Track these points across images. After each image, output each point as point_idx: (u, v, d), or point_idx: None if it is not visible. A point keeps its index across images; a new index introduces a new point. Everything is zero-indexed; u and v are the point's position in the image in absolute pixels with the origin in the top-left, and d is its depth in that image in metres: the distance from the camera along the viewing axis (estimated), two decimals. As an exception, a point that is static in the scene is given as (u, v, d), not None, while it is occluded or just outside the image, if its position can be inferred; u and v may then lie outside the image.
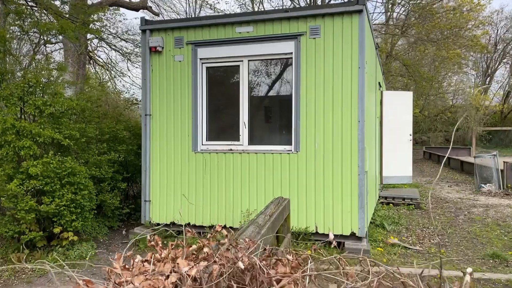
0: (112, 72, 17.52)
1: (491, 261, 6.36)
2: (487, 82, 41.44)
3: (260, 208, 6.80)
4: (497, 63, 41.14)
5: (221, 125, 7.31)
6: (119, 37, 14.42)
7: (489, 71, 41.41)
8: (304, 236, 6.54)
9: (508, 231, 8.12)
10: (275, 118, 7.07)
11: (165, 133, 7.30)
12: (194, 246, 1.75)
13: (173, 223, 7.28)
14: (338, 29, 6.41)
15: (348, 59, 6.37)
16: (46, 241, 6.36)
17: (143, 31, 7.38)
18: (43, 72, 6.47)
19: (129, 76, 23.54)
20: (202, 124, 7.20)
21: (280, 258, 1.65)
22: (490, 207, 10.52)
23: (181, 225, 7.24)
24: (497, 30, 39.04)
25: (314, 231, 6.54)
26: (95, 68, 18.34)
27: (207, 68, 7.21)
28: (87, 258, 6.38)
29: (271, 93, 7.03)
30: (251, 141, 7.00)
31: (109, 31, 13.91)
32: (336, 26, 6.41)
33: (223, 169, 7.00)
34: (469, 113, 30.89)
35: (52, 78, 6.53)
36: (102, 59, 18.79)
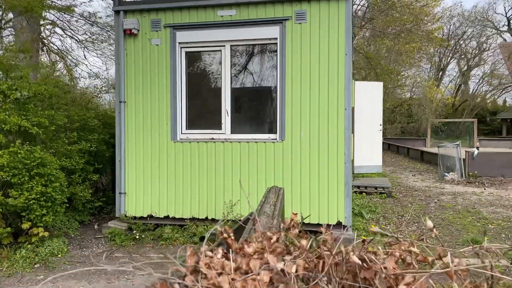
0: (68, 59, 16.53)
1: (470, 246, 6.48)
2: (440, 76, 43.11)
3: (243, 199, 6.58)
4: (449, 58, 42.85)
5: (202, 113, 6.99)
6: (86, 20, 13.51)
7: (442, 65, 43.06)
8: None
9: (479, 217, 8.37)
10: (259, 106, 6.84)
11: (142, 121, 6.89)
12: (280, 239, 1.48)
13: (150, 216, 6.92)
14: (324, 14, 6.25)
15: (334, 46, 6.24)
16: (12, 237, 5.83)
17: (117, 12, 6.89)
18: (6, 54, 5.87)
19: (86, 65, 22.24)
20: (182, 112, 6.86)
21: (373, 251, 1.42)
22: (458, 195, 10.86)
23: (160, 218, 6.89)
24: (450, 26, 40.61)
25: (300, 221, 6.38)
26: (49, 56, 17.26)
27: (187, 53, 6.86)
28: (59, 256, 5.92)
29: (254, 80, 6.79)
30: (234, 130, 6.75)
31: (74, 13, 12.96)
32: (322, 11, 6.25)
33: (205, 158, 6.71)
34: (426, 105, 32.05)
35: (17, 60, 5.94)
36: (56, 46, 17.69)
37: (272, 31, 6.44)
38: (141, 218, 6.93)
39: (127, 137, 6.92)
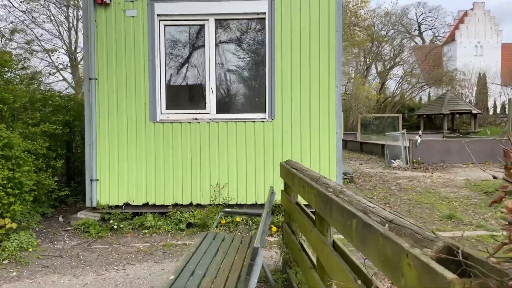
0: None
1: (449, 222, 6.75)
2: (365, 74, 45.42)
3: (232, 182, 6.24)
4: (372, 58, 45.27)
5: (184, 92, 6.52)
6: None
7: (366, 64, 45.38)
8: (281, 207, 6.17)
9: (441, 197, 8.79)
10: (246, 84, 6.53)
11: (115, 101, 6.25)
12: None
13: (127, 205, 6.31)
14: (314, -11, 6.11)
15: (325, 22, 6.13)
16: (-29, 232, 4.96)
17: (85, -22, 6.19)
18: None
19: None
20: (161, 90, 6.33)
21: None
22: (412, 179, 11.38)
23: (138, 206, 6.31)
24: (374, 27, 42.93)
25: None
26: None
27: (166, 26, 6.34)
28: (29, 250, 5.16)
29: (241, 57, 6.46)
30: (220, 109, 6.37)
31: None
32: (312, -13, 6.11)
33: (188, 140, 6.26)
34: (358, 101, 33.57)
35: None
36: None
37: (260, 5, 6.17)
38: (116, 207, 6.30)
39: (98, 118, 6.24)
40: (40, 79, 7.80)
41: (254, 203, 6.27)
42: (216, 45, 6.33)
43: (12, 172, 4.94)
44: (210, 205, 6.24)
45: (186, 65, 6.50)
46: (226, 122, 6.24)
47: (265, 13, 6.19)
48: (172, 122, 6.25)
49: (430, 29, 42.89)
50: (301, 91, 6.18)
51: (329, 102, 6.17)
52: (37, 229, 5.96)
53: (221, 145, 6.25)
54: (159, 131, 6.25)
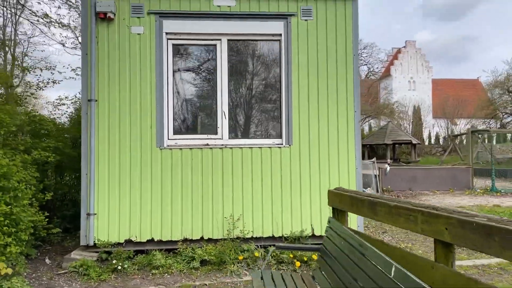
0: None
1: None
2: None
3: (247, 213, 5.77)
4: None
5: (194, 116, 6.05)
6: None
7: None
8: (300, 240, 5.78)
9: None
10: (260, 108, 6.18)
11: (118, 125, 5.65)
12: None
13: (128, 242, 5.62)
14: (331, 12, 6.00)
15: (342, 46, 6.00)
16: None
17: (86, -9, 5.66)
18: None
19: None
20: (169, 113, 5.83)
21: None
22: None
23: (141, 243, 5.64)
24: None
25: (311, 234, 5.84)
26: None
27: (174, 45, 5.91)
28: (25, 300, 4.34)
29: (255, 79, 6.14)
30: (233, 134, 5.96)
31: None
32: (329, 9, 6.00)
33: (199, 168, 5.75)
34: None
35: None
36: None
37: (275, 27, 5.94)
38: (117, 245, 5.58)
39: (98, 144, 5.59)
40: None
41: (271, 235, 5.82)
42: (229, 66, 5.98)
43: (9, 206, 4.18)
44: (224, 239, 5.71)
45: (196, 87, 6.07)
46: (240, 148, 5.83)
47: (280, 34, 5.96)
48: (181, 148, 5.74)
49: (365, 64, 45.35)
50: (319, 116, 5.94)
51: (347, 127, 5.97)
52: (24, 274, 5.09)
53: (235, 173, 5.80)
54: (166, 158, 5.70)
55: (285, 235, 5.82)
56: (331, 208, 4.20)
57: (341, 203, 4.00)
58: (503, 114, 34.34)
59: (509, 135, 33.66)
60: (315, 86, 5.95)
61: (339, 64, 5.99)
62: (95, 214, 5.54)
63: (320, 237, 5.89)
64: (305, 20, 5.97)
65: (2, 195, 4.09)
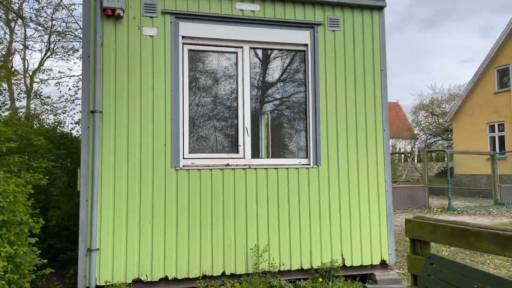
0: None
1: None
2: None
3: (273, 243, 5.14)
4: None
5: (211, 132, 5.34)
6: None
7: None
8: (331, 272, 5.24)
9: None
10: (285, 124, 5.62)
11: (126, 141, 4.81)
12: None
13: (137, 281, 4.73)
14: (358, 23, 5.68)
15: (370, 59, 5.68)
16: None
17: (89, -18, 4.82)
18: None
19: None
20: (184, 129, 5.08)
21: None
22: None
23: (153, 283, 4.77)
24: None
25: (341, 265, 5.33)
26: None
27: (190, 51, 5.22)
28: None
29: (279, 92, 5.60)
30: (256, 153, 5.33)
31: None
32: (356, 20, 5.67)
33: (219, 192, 5.05)
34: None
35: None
36: None
37: (301, 36, 5.48)
38: (122, 286, 4.66)
39: (101, 164, 4.70)
40: None
41: (299, 268, 5.23)
42: (251, 76, 5.39)
43: (12, 246, 3.22)
44: (247, 274, 5.02)
45: (214, 99, 5.39)
46: (265, 169, 5.22)
47: (306, 44, 5.51)
48: (200, 169, 5.00)
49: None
50: (347, 134, 5.52)
51: (376, 147, 5.60)
52: (11, 330, 4.02)
53: (259, 198, 5.16)
54: (183, 181, 4.93)
55: (316, 267, 5.26)
56: (409, 239, 3.75)
57: (425, 233, 3.56)
58: (428, 135, 36.51)
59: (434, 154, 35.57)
60: (343, 102, 5.54)
61: (367, 79, 5.65)
62: (98, 249, 4.61)
63: (352, 267, 5.40)
64: (332, 30, 5.57)
65: (6, 231, 3.13)
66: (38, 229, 3.60)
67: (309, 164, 5.41)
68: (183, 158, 5.02)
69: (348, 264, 5.37)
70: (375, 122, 5.63)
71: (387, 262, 5.53)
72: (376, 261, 5.48)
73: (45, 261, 4.28)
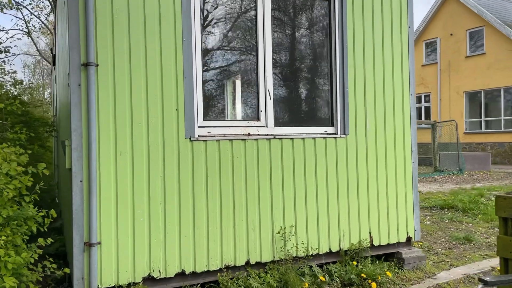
0: None
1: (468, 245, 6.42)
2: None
3: (301, 226, 4.49)
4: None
5: (228, 94, 4.43)
6: None
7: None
8: (359, 254, 4.73)
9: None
10: (308, 87, 4.85)
11: (129, 104, 3.77)
12: None
13: (148, 279, 3.83)
14: (385, -27, 5.01)
15: (397, 15, 5.08)
16: None
17: None
18: None
19: None
20: (198, 89, 4.14)
21: None
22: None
23: (167, 279, 3.90)
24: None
25: (369, 245, 4.83)
26: None
27: (202, -7, 4.22)
28: None
29: (302, 53, 4.80)
30: (278, 121, 4.55)
31: None
32: (384, -31, 5.00)
33: (242, 167, 4.24)
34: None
35: None
36: None
37: (328, -17, 4.71)
38: (130, 286, 3.75)
39: (99, 135, 3.64)
40: None
41: (328, 251, 4.64)
42: (273, 28, 4.53)
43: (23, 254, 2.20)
44: (273, 262, 4.33)
45: (230, 55, 4.46)
46: (291, 139, 4.48)
47: (333, -5, 4.75)
48: (218, 139, 4.13)
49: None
50: (375, 99, 4.93)
51: (403, 113, 5.10)
52: None
53: (285, 172, 4.44)
54: (199, 154, 4.04)
55: (345, 249, 4.70)
56: (499, 218, 3.27)
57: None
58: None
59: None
60: (371, 62, 4.92)
61: (395, 38, 5.06)
62: (99, 243, 3.62)
63: (379, 247, 4.94)
64: (360, -21, 4.87)
65: (12, 231, 2.10)
66: (47, 224, 2.58)
67: (336, 133, 4.76)
68: (198, 127, 4.11)
69: (375, 243, 4.90)
70: (402, 86, 5.10)
71: (413, 239, 5.15)
72: (402, 238, 5.07)
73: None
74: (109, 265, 3.68)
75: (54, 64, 8.95)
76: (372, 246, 4.88)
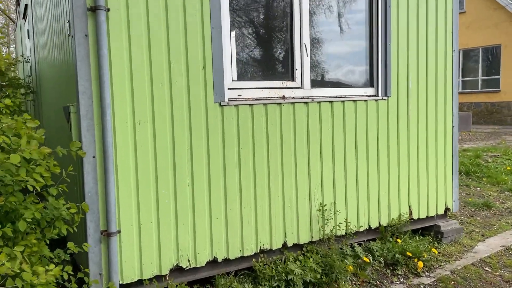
0: None
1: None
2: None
3: (340, 199, 3.97)
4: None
5: (258, 51, 3.73)
6: None
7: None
8: (398, 229, 4.29)
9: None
10: (344, 42, 4.19)
11: (147, 61, 3.05)
12: None
13: (176, 270, 3.25)
14: None
15: (442, -42, 4.43)
16: None
17: None
18: None
19: None
20: (226, 44, 3.43)
21: None
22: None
23: (197, 269, 3.34)
24: None
25: (409, 219, 4.40)
26: None
27: None
28: None
29: (341, 4, 4.10)
30: (315, 82, 3.92)
31: None
32: None
33: (277, 135, 3.63)
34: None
35: None
36: None
37: None
38: (155, 279, 3.16)
39: (113, 99, 2.93)
40: None
41: (367, 227, 4.17)
42: (309, -28, 3.82)
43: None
44: (311, 242, 3.83)
45: (262, 5, 3.73)
46: (330, 102, 3.87)
47: None
48: (251, 104, 3.48)
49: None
50: (418, 56, 4.35)
51: (445, 72, 4.56)
52: None
53: (324, 141, 3.86)
54: (231, 122, 3.39)
55: (385, 225, 4.25)
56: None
57: None
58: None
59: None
60: (414, 13, 4.30)
61: (439, -15, 4.44)
62: (119, 231, 2.98)
63: (418, 221, 4.51)
64: None
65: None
66: (77, 223, 1.94)
67: (376, 95, 4.19)
68: (228, 89, 3.43)
69: (415, 217, 4.47)
70: (444, 40, 4.53)
71: (451, 210, 4.75)
72: (441, 210, 4.66)
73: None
74: (131, 256, 3.06)
75: (24, 17, 7.86)
76: (412, 220, 4.45)
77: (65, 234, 1.99)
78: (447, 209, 4.71)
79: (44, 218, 1.84)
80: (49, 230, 1.91)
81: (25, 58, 7.07)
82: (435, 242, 4.57)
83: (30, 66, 6.93)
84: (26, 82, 7.15)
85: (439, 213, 4.64)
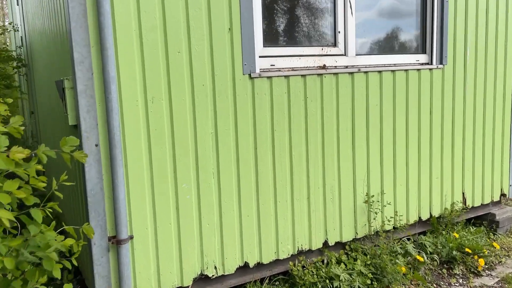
0: None
1: None
2: None
3: (389, 188, 3.38)
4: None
5: (295, 9, 3.06)
6: None
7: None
8: (453, 219, 3.72)
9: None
10: (396, 6, 3.51)
11: (161, 22, 2.40)
12: None
13: (201, 279, 2.69)
14: None
15: None
16: None
17: None
18: None
19: None
20: (256, 4, 2.77)
21: None
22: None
23: (224, 277, 2.78)
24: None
25: (462, 207, 3.82)
26: None
27: None
28: None
29: None
30: (359, 48, 3.26)
31: None
32: None
33: (317, 115, 3.00)
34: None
35: None
36: None
37: None
38: (176, 292, 2.62)
39: (119, 72, 2.30)
40: None
41: (417, 219, 3.59)
42: None
43: None
44: (355, 239, 3.27)
45: None
46: (378, 72, 3.23)
47: None
48: (287, 75, 2.84)
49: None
50: (477, 19, 3.67)
51: (506, 41, 3.89)
52: None
53: (371, 119, 3.24)
54: (263, 98, 2.76)
55: (437, 216, 3.67)
56: None
57: None
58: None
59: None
60: (474, -36, 3.61)
61: None
62: (131, 237, 2.41)
63: (472, 209, 3.94)
64: None
65: None
66: (77, 254, 1.36)
67: (430, 63, 3.53)
68: (259, 57, 2.79)
69: (469, 205, 3.89)
70: (506, 6, 3.85)
71: (507, 196, 4.17)
72: (496, 197, 4.08)
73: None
74: (146, 267, 2.49)
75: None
76: (465, 209, 3.87)
77: (59, 277, 1.43)
78: (502, 195, 4.13)
79: (22, 263, 1.23)
80: (33, 276, 1.31)
81: (14, 27, 6.38)
82: (490, 233, 4.01)
83: (21, 37, 6.24)
84: (17, 54, 6.48)
85: (494, 200, 4.06)
